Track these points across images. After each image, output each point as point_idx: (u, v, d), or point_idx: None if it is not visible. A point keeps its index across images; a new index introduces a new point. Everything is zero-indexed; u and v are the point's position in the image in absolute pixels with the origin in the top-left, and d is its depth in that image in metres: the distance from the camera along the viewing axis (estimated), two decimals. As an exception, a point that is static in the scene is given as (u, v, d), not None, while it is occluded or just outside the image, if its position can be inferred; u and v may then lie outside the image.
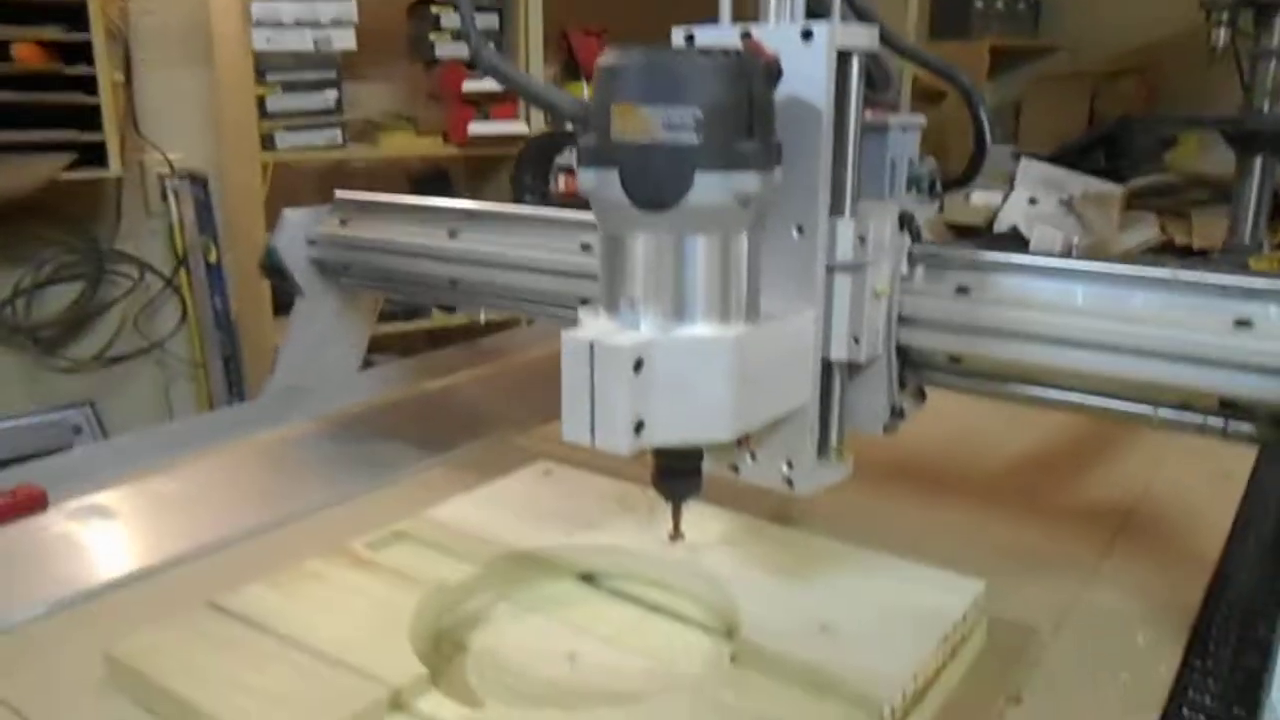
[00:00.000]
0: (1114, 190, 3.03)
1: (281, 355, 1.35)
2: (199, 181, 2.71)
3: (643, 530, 0.80)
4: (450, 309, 2.78)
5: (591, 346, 0.59)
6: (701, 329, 0.62)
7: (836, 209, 0.72)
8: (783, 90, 0.66)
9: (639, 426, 0.60)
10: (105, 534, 0.94)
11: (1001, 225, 3.06)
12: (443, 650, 0.71)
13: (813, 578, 0.72)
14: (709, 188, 0.59)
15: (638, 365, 0.59)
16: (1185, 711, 0.66)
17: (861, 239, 0.73)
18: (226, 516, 0.96)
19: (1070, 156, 3.31)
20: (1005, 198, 3.17)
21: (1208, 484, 1.02)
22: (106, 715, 0.65)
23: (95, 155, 2.38)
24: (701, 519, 0.81)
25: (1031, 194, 3.15)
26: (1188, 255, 2.59)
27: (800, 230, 0.70)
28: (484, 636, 0.72)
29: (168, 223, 2.74)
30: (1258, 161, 2.41)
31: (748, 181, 0.60)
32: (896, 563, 0.74)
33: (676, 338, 0.61)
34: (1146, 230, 2.92)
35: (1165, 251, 2.73)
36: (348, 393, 1.34)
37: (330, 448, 1.17)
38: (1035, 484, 1.04)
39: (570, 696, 0.65)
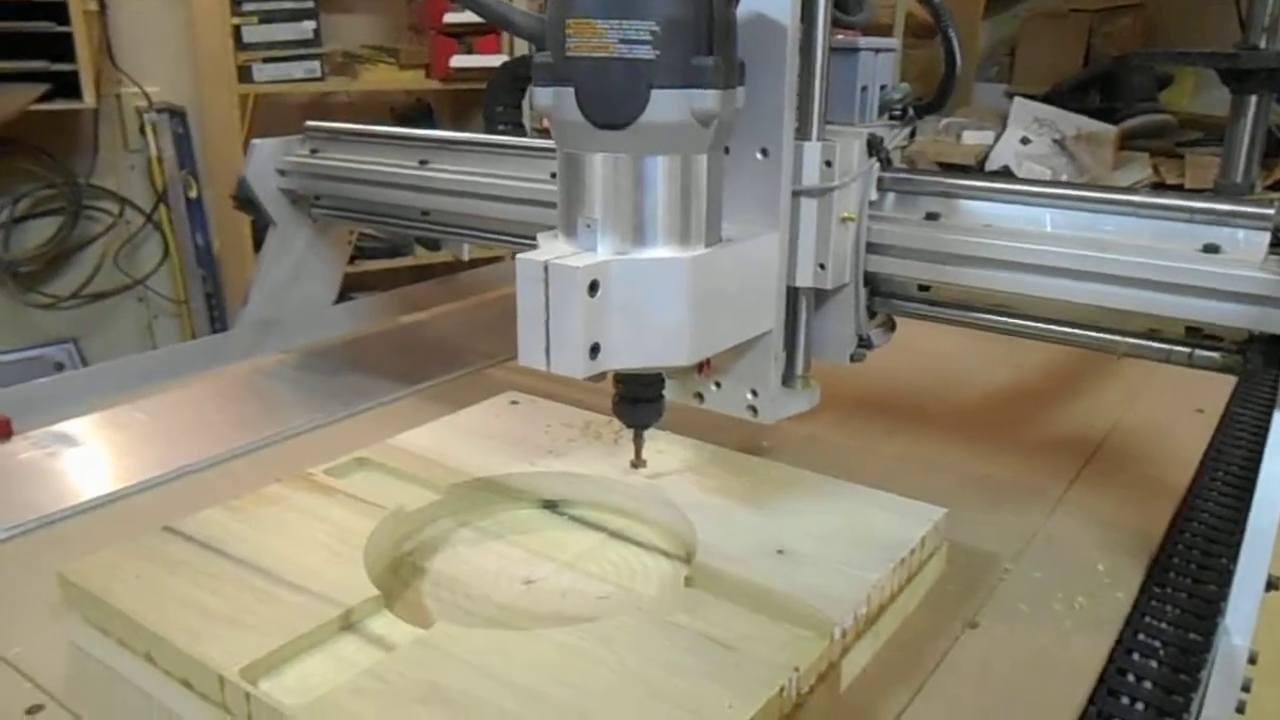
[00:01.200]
0: (1107, 130, 3.00)
1: (254, 287, 1.33)
2: (177, 115, 2.66)
3: (606, 459, 0.79)
4: (433, 246, 2.75)
5: (546, 268, 0.57)
6: (660, 251, 0.61)
7: (803, 133, 0.71)
8: (746, 7, 0.64)
9: (595, 350, 0.59)
10: (68, 462, 0.94)
11: (993, 164, 3.04)
12: (401, 574, 0.70)
13: (771, 504, 0.72)
14: (666, 105, 0.57)
15: (593, 287, 0.58)
16: (1140, 636, 0.67)
17: (828, 163, 0.71)
18: (192, 445, 0.95)
19: (1064, 96, 3.27)
20: (998, 137, 3.14)
21: (1180, 419, 1.02)
22: (59, 635, 0.64)
23: (69, 87, 2.33)
24: (665, 447, 0.80)
25: (1024, 133, 3.12)
26: (1178, 196, 2.56)
27: (764, 153, 0.68)
28: (442, 561, 0.72)
29: (146, 157, 2.69)
30: (1252, 100, 2.37)
31: (706, 99, 0.58)
32: (856, 489, 0.74)
33: (633, 259, 0.60)
34: (1139, 170, 2.89)
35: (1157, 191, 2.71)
36: (321, 325, 1.33)
37: (301, 379, 1.16)
38: (1007, 418, 1.04)
39: (524, 618, 0.65)
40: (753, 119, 0.66)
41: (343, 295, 1.43)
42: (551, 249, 0.61)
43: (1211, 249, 0.67)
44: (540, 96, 0.61)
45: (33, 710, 0.58)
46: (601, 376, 0.62)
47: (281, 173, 1.25)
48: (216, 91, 2.60)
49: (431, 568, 0.71)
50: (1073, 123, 3.05)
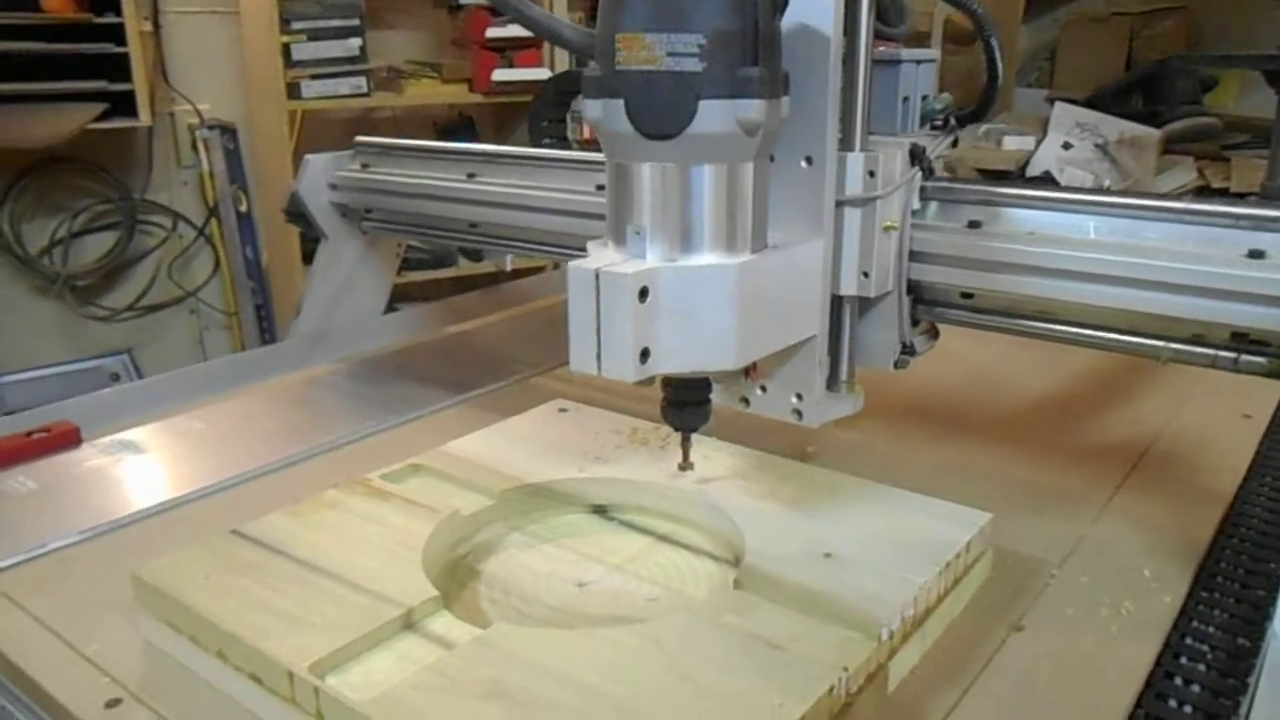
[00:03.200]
0: (1151, 134, 2.96)
1: (306, 299, 1.37)
2: (228, 131, 2.73)
3: (654, 464, 0.81)
4: (476, 257, 2.79)
5: (597, 275, 0.59)
6: (707, 258, 0.62)
7: (846, 143, 0.72)
8: (791, 18, 0.65)
9: (645, 354, 0.60)
10: (135, 468, 0.97)
11: (1034, 170, 3.02)
12: (456, 577, 0.72)
13: (818, 508, 0.73)
14: (713, 115, 0.59)
15: (643, 293, 0.59)
16: (1188, 641, 0.67)
17: (871, 173, 0.72)
18: (251, 452, 0.98)
19: (1106, 100, 3.24)
20: (1039, 142, 3.12)
21: (1228, 425, 1.02)
22: (132, 631, 0.67)
23: (125, 105, 2.40)
24: (712, 453, 0.82)
25: (1066, 138, 3.09)
26: (1224, 200, 2.53)
27: (809, 161, 0.70)
28: (496, 564, 0.74)
29: (198, 173, 2.76)
30: (1299, 102, 2.34)
31: (752, 109, 0.59)
32: (902, 495, 0.75)
33: (682, 266, 0.61)
34: (1183, 174, 2.86)
35: (1202, 196, 2.68)
36: (370, 336, 1.36)
37: (351, 388, 1.19)
38: (1052, 425, 1.04)
39: (577, 618, 0.66)
40: (797, 128, 0.67)
41: (388, 306, 1.46)
42: (601, 257, 0.63)
43: (1257, 254, 0.67)
44: (590, 109, 0.62)
45: (111, 704, 0.61)
46: (650, 381, 0.64)
47: (333, 187, 1.29)
48: (266, 108, 2.66)
49: (486, 570, 0.73)
50: (1115, 127, 3.02)
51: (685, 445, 0.75)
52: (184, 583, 0.65)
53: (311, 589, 0.64)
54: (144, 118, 2.40)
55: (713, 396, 0.72)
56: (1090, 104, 3.18)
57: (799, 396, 0.75)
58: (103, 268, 2.70)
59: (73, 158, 2.57)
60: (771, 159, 0.68)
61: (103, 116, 2.37)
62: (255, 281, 2.78)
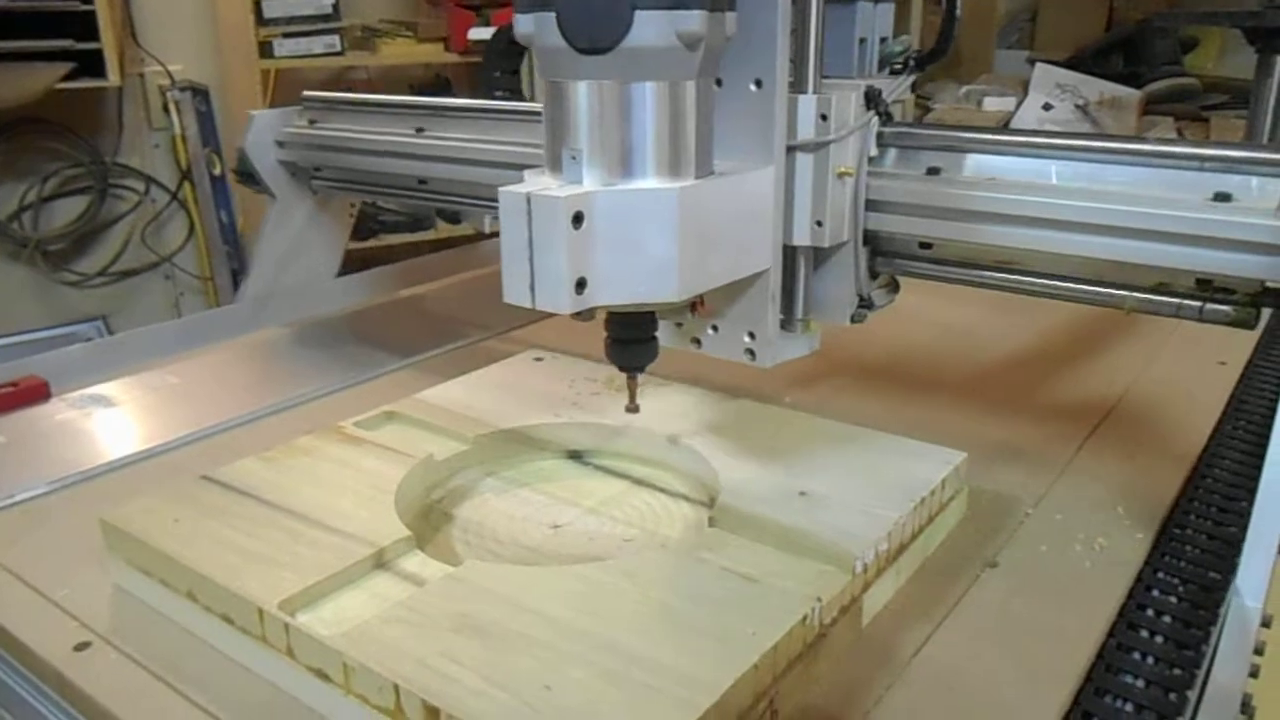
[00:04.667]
0: (1131, 95, 2.96)
1: (254, 261, 1.31)
2: (200, 93, 2.68)
3: (631, 411, 0.80)
4: (454, 219, 2.76)
5: (529, 199, 0.55)
6: (648, 182, 0.58)
7: (798, 85, 0.68)
8: None
9: (581, 284, 0.57)
10: (105, 421, 0.96)
11: (1014, 132, 3.01)
12: (430, 521, 0.72)
13: (793, 450, 0.73)
14: (650, 26, 0.55)
15: (577, 219, 0.56)
16: (1160, 575, 0.67)
17: (824, 116, 0.68)
18: (223, 406, 0.97)
19: (1087, 61, 3.23)
20: (1019, 104, 3.11)
21: (1203, 373, 1.02)
22: (103, 578, 0.67)
23: (94, 66, 2.35)
24: (687, 398, 0.82)
25: (1046, 99, 3.09)
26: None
27: (759, 84, 0.65)
28: (470, 509, 0.73)
29: (170, 135, 2.72)
30: (1278, 61, 2.34)
31: (692, 20, 0.55)
32: (877, 435, 0.75)
33: (620, 190, 0.57)
34: (1163, 135, 2.86)
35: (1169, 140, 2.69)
36: (322, 299, 1.32)
37: (327, 343, 1.18)
38: (1026, 379, 1.04)
39: (551, 559, 0.66)
40: (745, 48, 0.64)
41: (361, 269, 1.43)
42: (536, 182, 0.58)
43: (1223, 197, 0.63)
44: (521, 23, 0.58)
45: (80, 647, 0.60)
46: (590, 315, 0.60)
47: (280, 144, 1.22)
48: (238, 68, 2.61)
49: (460, 514, 0.73)
50: (1096, 88, 3.01)
51: (631, 385, 0.71)
52: (153, 526, 0.64)
53: (282, 530, 0.63)
54: (113, 78, 2.35)
55: (663, 338, 0.68)
56: (1071, 65, 3.17)
57: (751, 336, 0.71)
58: (74, 232, 2.66)
59: (41, 119, 2.52)
60: (720, 84, 0.65)
61: (70, 77, 2.32)
62: (230, 246, 2.75)
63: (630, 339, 0.66)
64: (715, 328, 0.73)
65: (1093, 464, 0.82)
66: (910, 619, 0.62)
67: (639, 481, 0.76)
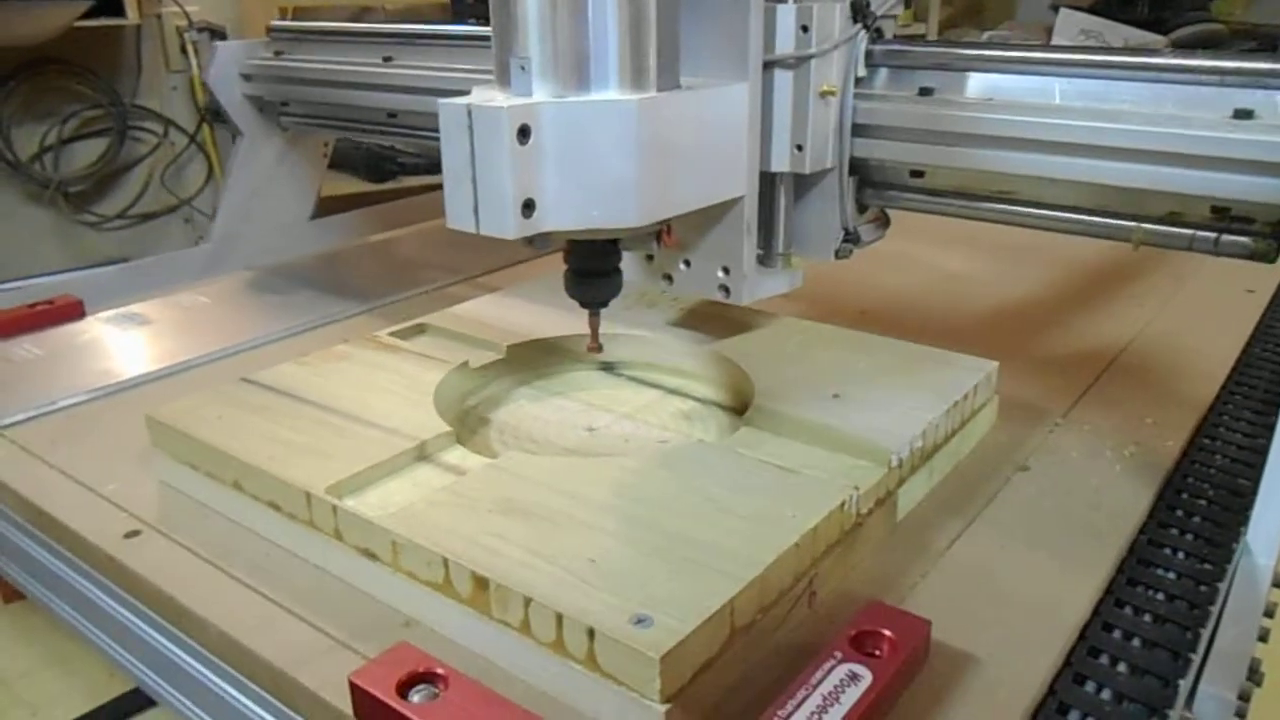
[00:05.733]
0: (1156, 41, 2.92)
1: (221, 202, 1.28)
2: (217, 34, 2.66)
3: (662, 326, 0.81)
4: (415, 170, 2.76)
5: (469, 112, 0.50)
6: (604, 94, 0.53)
7: None
8: None
9: (529, 206, 0.52)
10: (140, 337, 0.97)
11: (1038, 78, 2.98)
12: (467, 425, 0.73)
13: (827, 357, 0.73)
14: None
15: (523, 132, 0.51)
16: (1189, 481, 0.68)
17: (804, 28, 0.64)
18: (257, 323, 0.98)
19: (1112, 6, 3.18)
20: (1043, 50, 3.08)
21: (1231, 300, 1.02)
22: (148, 476, 0.68)
23: (113, 4, 2.34)
24: (718, 310, 0.82)
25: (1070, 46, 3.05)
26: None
27: None
28: (506, 414, 0.74)
29: (188, 77, 2.71)
30: (1310, 2, 2.30)
31: None
32: (909, 346, 0.75)
33: (570, 101, 0.52)
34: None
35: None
36: (297, 238, 1.30)
37: (363, 268, 1.19)
38: (1052, 310, 1.04)
39: (589, 455, 0.67)
40: None
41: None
42: (480, 95, 0.54)
43: (1244, 114, 0.57)
44: None
45: (130, 535, 0.62)
46: (547, 241, 0.55)
47: (246, 77, 1.16)
48: (255, 8, 2.59)
49: (496, 419, 0.74)
50: (1120, 34, 2.97)
51: (593, 323, 0.65)
52: (198, 422, 0.65)
53: (325, 426, 0.64)
54: (131, 16, 2.34)
55: (632, 274, 0.64)
56: (1095, 11, 3.13)
57: (725, 271, 0.68)
58: (95, 174, 2.66)
59: (60, 59, 2.51)
60: None
61: (89, 16, 2.32)
62: (249, 189, 2.75)
63: (589, 270, 0.61)
64: (688, 263, 0.69)
65: (1123, 381, 0.83)
66: (944, 516, 0.63)
67: (672, 391, 0.77)
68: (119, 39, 2.58)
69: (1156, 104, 0.60)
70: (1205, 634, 0.54)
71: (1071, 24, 3.13)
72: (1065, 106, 0.63)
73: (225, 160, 2.78)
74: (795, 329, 0.79)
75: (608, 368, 0.81)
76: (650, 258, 0.70)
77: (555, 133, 0.52)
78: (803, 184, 0.70)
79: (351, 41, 1.09)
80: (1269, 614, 0.61)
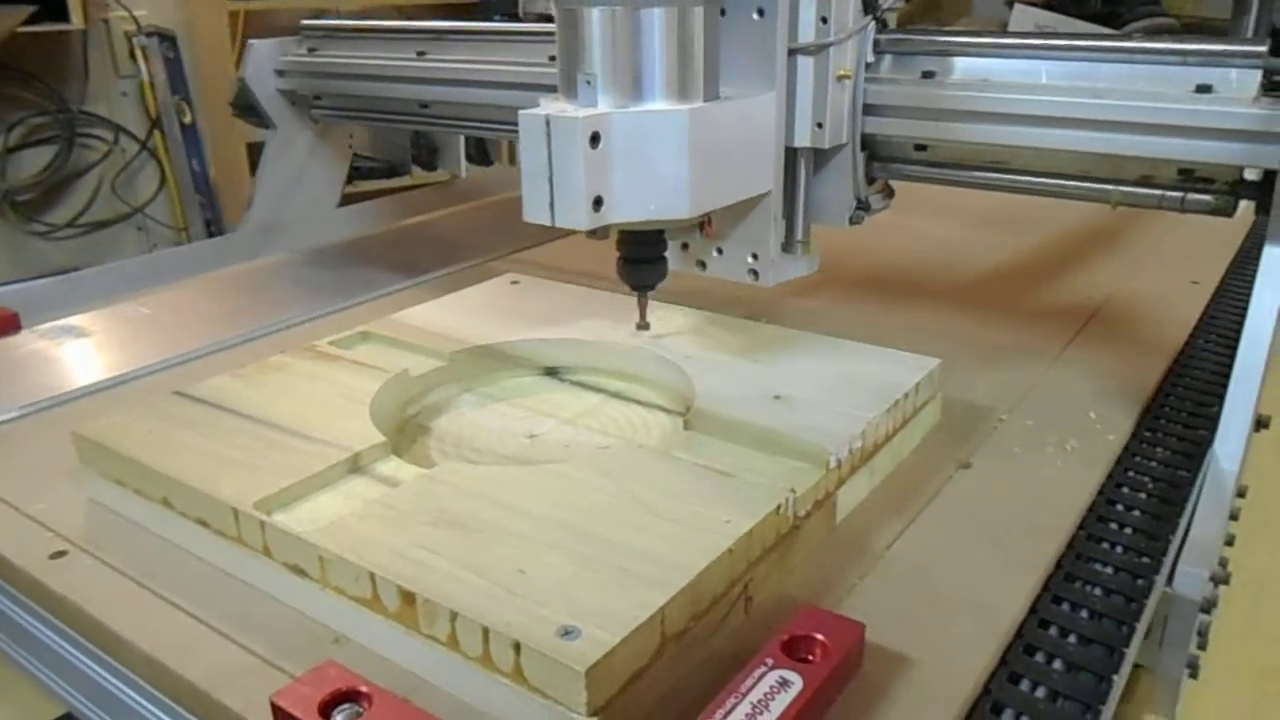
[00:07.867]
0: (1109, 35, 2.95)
1: (256, 192, 1.33)
2: (167, 39, 2.62)
3: (607, 329, 0.80)
4: (429, 166, 2.74)
5: (548, 121, 0.59)
6: (659, 104, 0.62)
7: None
8: None
9: (598, 202, 0.61)
10: (77, 350, 0.95)
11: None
12: (406, 434, 0.72)
13: (768, 358, 0.73)
14: None
15: (594, 139, 0.59)
16: (1130, 474, 0.68)
17: (824, 19, 0.72)
18: (196, 334, 0.96)
19: (1065, 2, 3.22)
20: (998, 45, 3.10)
21: (1176, 290, 1.03)
22: (77, 494, 0.66)
23: (56, 9, 2.30)
24: (664, 314, 0.81)
25: (1025, 40, 3.08)
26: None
27: (760, 13, 0.70)
28: (446, 421, 0.73)
29: (138, 83, 2.67)
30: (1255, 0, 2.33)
31: None
32: (852, 345, 0.75)
33: (633, 111, 0.61)
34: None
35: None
36: (325, 227, 1.34)
37: (302, 275, 1.17)
38: (1005, 291, 1.04)
39: (528, 463, 0.66)
40: None
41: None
42: (553, 106, 0.62)
43: (1204, 89, 0.68)
44: None
45: (56, 555, 0.60)
46: (605, 234, 0.64)
47: (280, 73, 1.25)
48: (205, 11, 2.56)
49: (436, 427, 0.73)
50: (1074, 28, 3.00)
51: (642, 303, 0.74)
52: (127, 438, 0.64)
53: (256, 439, 0.63)
54: (76, 20, 2.31)
55: (671, 262, 0.72)
56: (1049, 5, 3.16)
57: (754, 256, 0.76)
58: (43, 182, 2.62)
59: (6, 66, 2.47)
60: (724, 13, 0.69)
61: (32, 20, 2.27)
62: (203, 195, 2.71)
63: (641, 259, 0.69)
64: (720, 250, 0.77)
65: (1066, 373, 0.83)
66: (884, 516, 0.62)
67: (615, 395, 0.76)
68: (65, 44, 2.54)
69: (1130, 81, 0.70)
70: (1180, 527, 0.62)
71: (1026, 19, 3.15)
72: (1051, 85, 0.73)
73: (176, 166, 2.74)
74: (739, 330, 0.79)
75: (551, 373, 0.80)
76: (685, 246, 0.79)
77: (620, 138, 0.60)
78: (821, 158, 0.78)
79: (384, 37, 1.16)
80: (1234, 516, 0.69)
